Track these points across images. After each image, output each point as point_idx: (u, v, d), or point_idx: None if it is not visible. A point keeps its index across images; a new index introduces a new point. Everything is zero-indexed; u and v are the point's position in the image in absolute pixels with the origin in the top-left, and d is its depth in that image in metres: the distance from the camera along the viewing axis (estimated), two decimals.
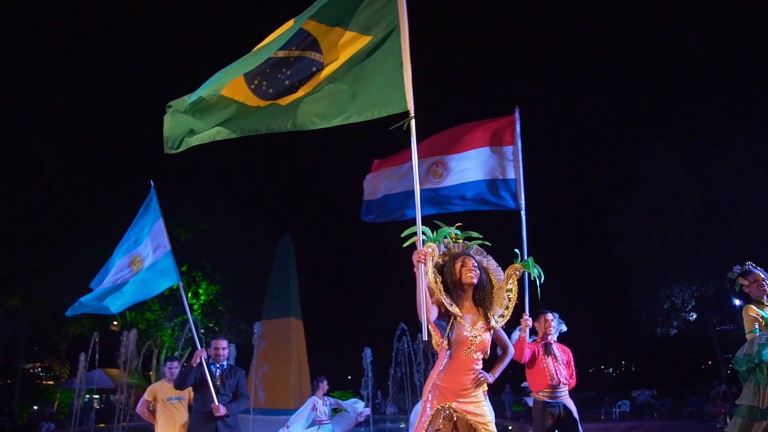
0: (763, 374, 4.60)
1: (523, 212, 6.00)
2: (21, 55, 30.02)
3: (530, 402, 7.65)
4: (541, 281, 4.01)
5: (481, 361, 3.62)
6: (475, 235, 3.98)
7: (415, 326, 17.66)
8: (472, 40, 45.70)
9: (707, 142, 23.43)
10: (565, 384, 5.74)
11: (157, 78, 39.66)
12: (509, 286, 3.86)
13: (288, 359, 16.96)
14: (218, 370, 6.11)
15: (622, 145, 28.13)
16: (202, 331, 24.38)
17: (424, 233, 3.79)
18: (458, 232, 3.96)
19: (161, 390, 7.05)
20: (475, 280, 3.69)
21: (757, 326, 4.76)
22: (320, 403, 8.04)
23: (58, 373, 30.11)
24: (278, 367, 16.48)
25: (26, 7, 33.96)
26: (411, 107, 3.77)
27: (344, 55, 3.99)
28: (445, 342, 3.59)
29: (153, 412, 7.07)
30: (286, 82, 4.02)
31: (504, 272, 3.91)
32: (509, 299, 3.81)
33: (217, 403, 5.77)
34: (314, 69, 4.02)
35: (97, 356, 17.90)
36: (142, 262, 6.94)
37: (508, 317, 3.79)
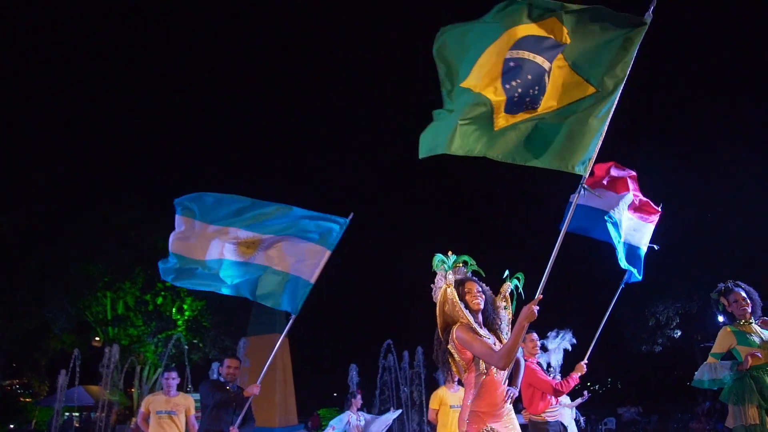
0: (739, 391, 4.63)
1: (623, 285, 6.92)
2: (7, 72, 29.86)
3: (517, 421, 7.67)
4: (518, 291, 4.02)
5: (507, 378, 3.71)
6: (469, 260, 4.00)
7: (401, 343, 17.58)
8: None
9: (691, 159, 23.71)
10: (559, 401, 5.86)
11: (147, 92, 39.61)
12: (503, 304, 3.96)
13: (273, 376, 16.76)
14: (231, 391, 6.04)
15: (605, 160, 28.37)
16: (186, 347, 24.05)
17: (443, 261, 3.86)
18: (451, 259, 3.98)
19: (154, 402, 6.91)
20: (482, 306, 3.77)
21: (719, 351, 4.80)
22: (354, 418, 8.01)
23: (36, 390, 29.52)
24: (263, 384, 16.26)
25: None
26: (587, 175, 3.74)
27: (566, 98, 3.84)
28: (481, 366, 3.62)
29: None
30: (519, 90, 3.87)
31: (492, 292, 3.97)
32: (507, 316, 3.93)
33: (236, 429, 5.77)
34: (536, 89, 3.85)
35: (77, 373, 17.57)
36: (256, 249, 5.81)
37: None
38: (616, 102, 3.76)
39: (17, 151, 24.81)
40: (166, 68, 43.63)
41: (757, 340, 4.68)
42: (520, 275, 4.00)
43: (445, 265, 3.85)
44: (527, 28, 3.84)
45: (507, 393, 3.64)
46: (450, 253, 3.95)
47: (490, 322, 3.82)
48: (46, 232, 24.84)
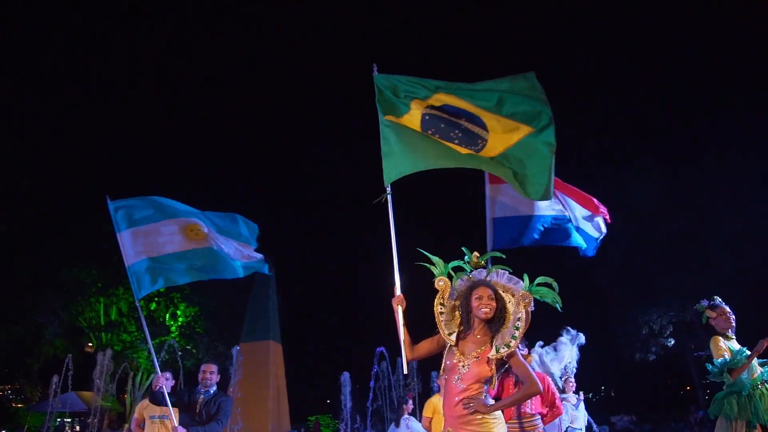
0: (732, 407, 4.71)
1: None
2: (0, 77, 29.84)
3: None
4: (559, 306, 3.73)
5: (475, 390, 3.51)
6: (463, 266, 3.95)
7: (395, 350, 17.58)
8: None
9: (684, 168, 23.85)
10: (534, 414, 5.45)
11: (140, 99, 39.60)
12: (520, 314, 3.65)
13: (266, 382, 16.75)
14: (201, 396, 5.89)
15: (600, 170, 28.54)
16: (180, 353, 23.96)
17: (435, 265, 3.85)
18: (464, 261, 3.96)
19: (148, 407, 6.75)
20: (489, 315, 3.60)
21: (726, 356, 4.92)
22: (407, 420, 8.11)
23: (29, 396, 29.33)
24: (256, 390, 16.27)
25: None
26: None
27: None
28: (441, 368, 3.64)
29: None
30: (456, 141, 4.58)
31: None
32: (517, 328, 3.61)
33: (176, 425, 5.61)
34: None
35: (70, 378, 17.50)
36: (207, 237, 6.30)
37: (516, 347, 3.58)
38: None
39: (9, 156, 24.72)
40: (163, 73, 43.65)
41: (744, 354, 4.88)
42: (550, 289, 3.71)
43: (439, 270, 3.83)
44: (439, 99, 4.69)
45: (469, 404, 3.47)
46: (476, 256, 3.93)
47: (497, 327, 3.63)
48: (38, 237, 24.76)
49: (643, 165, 24.86)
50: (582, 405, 8.97)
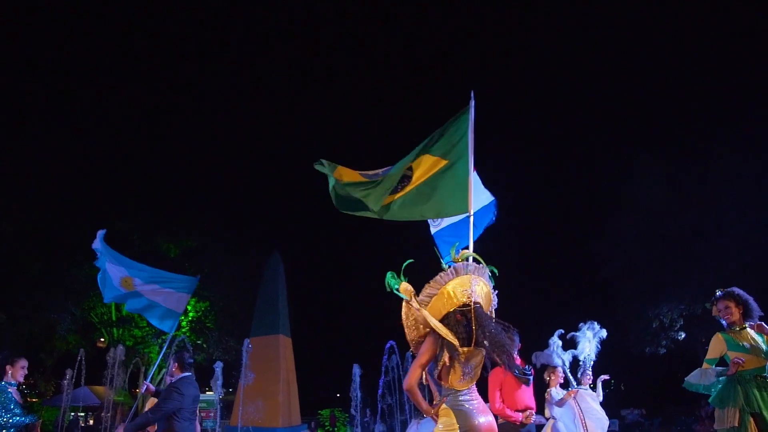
0: (718, 398, 4.84)
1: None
2: (9, 78, 30.11)
3: None
4: (395, 288, 3.83)
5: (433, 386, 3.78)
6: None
7: (405, 344, 17.59)
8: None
9: (693, 163, 23.74)
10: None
11: (148, 99, 39.79)
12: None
13: (276, 377, 16.83)
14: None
15: (609, 167, 28.46)
16: (190, 348, 24.11)
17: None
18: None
19: None
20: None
21: (712, 357, 4.97)
22: None
23: (42, 391, 29.67)
24: (266, 384, 16.35)
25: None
26: (471, 210, 5.18)
27: (428, 173, 5.46)
28: None
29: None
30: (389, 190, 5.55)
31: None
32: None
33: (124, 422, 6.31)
34: (406, 182, 5.50)
35: (83, 373, 17.66)
36: (133, 286, 8.71)
37: (414, 345, 3.86)
38: (471, 161, 5.20)
39: (19, 154, 24.91)
40: (164, 76, 43.89)
41: (747, 345, 4.75)
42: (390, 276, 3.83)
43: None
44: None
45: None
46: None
47: None
48: (48, 234, 24.93)
49: (651, 160, 24.75)
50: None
